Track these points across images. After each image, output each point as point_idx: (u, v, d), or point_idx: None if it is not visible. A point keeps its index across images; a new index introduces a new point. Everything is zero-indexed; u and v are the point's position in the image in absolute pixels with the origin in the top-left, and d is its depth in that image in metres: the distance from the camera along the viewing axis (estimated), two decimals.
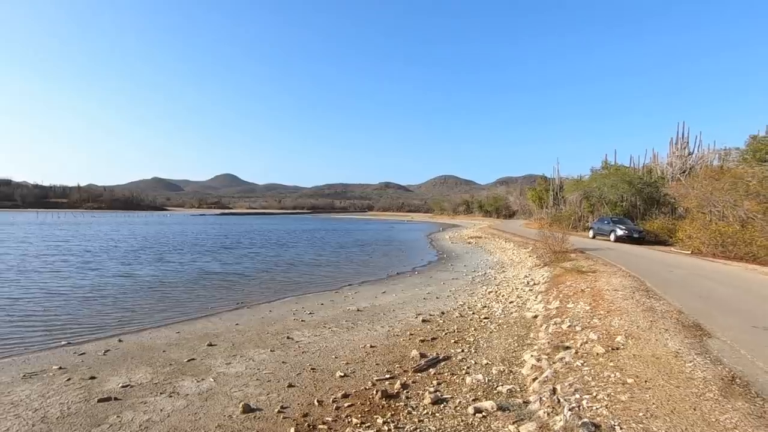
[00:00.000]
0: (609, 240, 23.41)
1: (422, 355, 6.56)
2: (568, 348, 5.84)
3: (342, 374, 5.83)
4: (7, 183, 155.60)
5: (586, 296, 8.84)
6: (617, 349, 5.43)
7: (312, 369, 6.09)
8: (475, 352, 6.74)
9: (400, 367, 6.16)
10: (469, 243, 31.86)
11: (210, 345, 7.27)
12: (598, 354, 5.35)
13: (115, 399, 5.09)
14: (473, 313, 9.51)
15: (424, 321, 8.86)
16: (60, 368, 6.19)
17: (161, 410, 4.81)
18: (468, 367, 6.02)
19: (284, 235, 42.45)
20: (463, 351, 6.77)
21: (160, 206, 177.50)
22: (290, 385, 5.48)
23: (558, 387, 4.56)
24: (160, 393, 5.27)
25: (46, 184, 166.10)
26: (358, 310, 10.13)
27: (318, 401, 4.97)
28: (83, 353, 6.94)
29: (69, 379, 5.75)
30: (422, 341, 7.41)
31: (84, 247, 25.41)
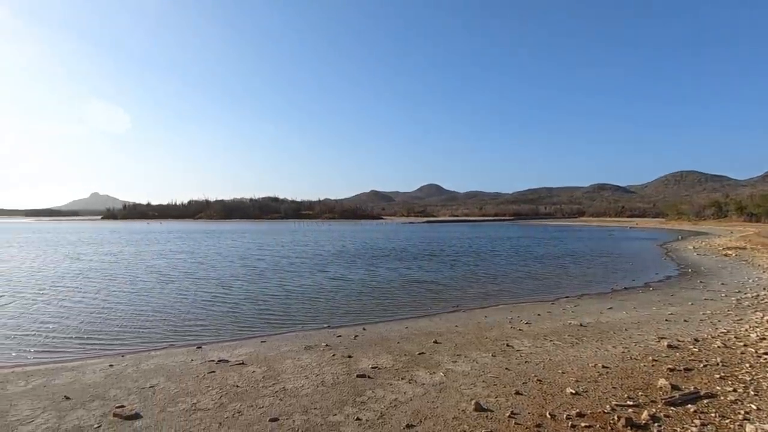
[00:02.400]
0: None
1: (674, 387, 5.55)
2: None
3: (573, 391, 5.48)
4: (276, 200, 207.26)
5: None
6: None
7: (538, 380, 5.94)
8: (756, 394, 5.29)
9: (645, 395, 5.37)
10: (726, 255, 25.05)
11: (435, 342, 7.94)
12: None
13: (368, 377, 6.14)
14: (744, 345, 7.46)
15: (670, 347, 7.46)
16: (326, 345, 7.86)
17: (404, 393, 5.54)
18: (746, 412, 4.77)
19: (485, 243, 42.51)
20: (735, 391, 5.41)
21: (377, 215, 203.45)
22: (517, 393, 5.49)
23: None
24: (401, 378, 6.07)
25: (298, 199, 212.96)
26: (581, 325, 9.30)
27: (550, 414, 4.82)
28: (340, 336, 8.63)
29: (333, 355, 7.24)
30: (671, 370, 6.26)
31: (316, 252, 31.50)
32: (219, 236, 55.44)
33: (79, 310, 12.00)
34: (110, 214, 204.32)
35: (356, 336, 8.56)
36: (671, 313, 10.39)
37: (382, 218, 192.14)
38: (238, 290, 14.91)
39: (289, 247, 35.82)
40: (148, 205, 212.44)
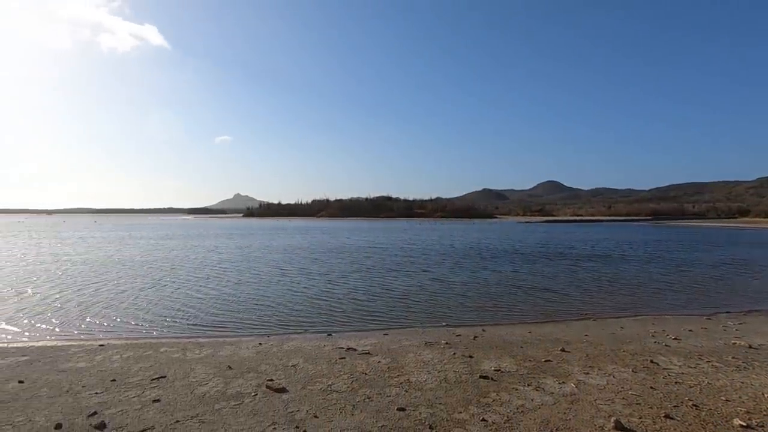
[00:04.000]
0: None
1: None
2: None
3: (743, 424, 4.64)
4: (389, 199, 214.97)
5: None
6: None
7: (693, 405, 5.17)
8: None
9: None
10: None
11: (563, 351, 7.43)
12: None
13: (492, 379, 6.03)
14: None
15: None
16: (446, 343, 7.93)
17: (531, 400, 5.31)
18: None
19: (614, 246, 38.11)
20: None
21: (490, 214, 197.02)
22: (667, 416, 4.85)
23: None
24: (527, 384, 5.83)
25: (411, 198, 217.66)
26: (750, 346, 7.79)
27: None
28: (459, 335, 8.63)
29: (454, 354, 7.27)
30: None
31: (423, 251, 31.61)
32: (333, 233, 59.66)
33: (229, 294, 14.14)
34: (249, 212, 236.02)
35: (476, 336, 8.46)
36: None
37: (495, 217, 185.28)
38: (353, 285, 15.93)
39: (398, 246, 36.85)
40: (279, 204, 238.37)
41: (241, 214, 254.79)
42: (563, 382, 5.92)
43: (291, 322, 10.43)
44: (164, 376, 6.21)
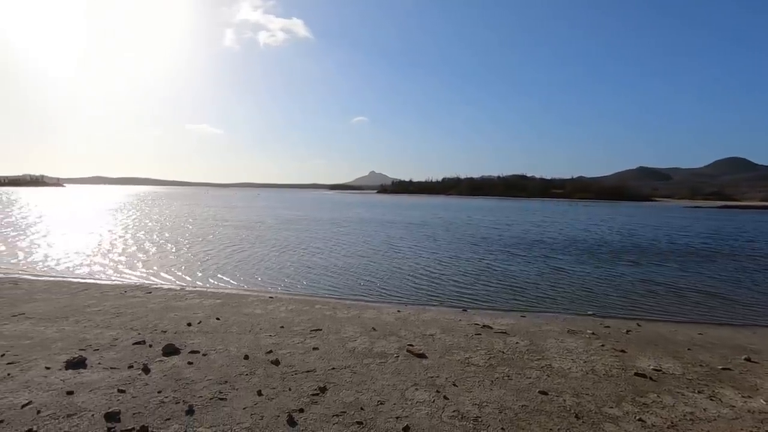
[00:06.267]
0: None
1: None
2: None
3: None
4: (524, 177, 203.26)
5: None
6: None
7: None
8: None
9: None
10: None
11: (748, 360, 6.20)
12: None
13: (651, 379, 5.38)
14: None
15: None
16: (592, 333, 7.32)
17: (704, 410, 4.60)
18: None
19: None
20: None
21: (647, 197, 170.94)
22: None
23: None
24: (698, 392, 5.06)
25: (548, 177, 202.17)
26: None
27: None
28: (608, 326, 7.88)
29: (602, 345, 6.68)
30: None
31: (550, 234, 28.83)
32: (460, 211, 58.89)
33: (366, 263, 15.37)
34: (383, 189, 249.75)
35: (629, 331, 7.60)
36: None
37: (653, 200, 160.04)
38: (479, 265, 15.68)
39: (524, 228, 34.63)
40: (410, 181, 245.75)
41: (375, 191, 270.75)
42: (748, 396, 4.98)
43: (425, 295, 10.83)
44: (320, 329, 7.12)
